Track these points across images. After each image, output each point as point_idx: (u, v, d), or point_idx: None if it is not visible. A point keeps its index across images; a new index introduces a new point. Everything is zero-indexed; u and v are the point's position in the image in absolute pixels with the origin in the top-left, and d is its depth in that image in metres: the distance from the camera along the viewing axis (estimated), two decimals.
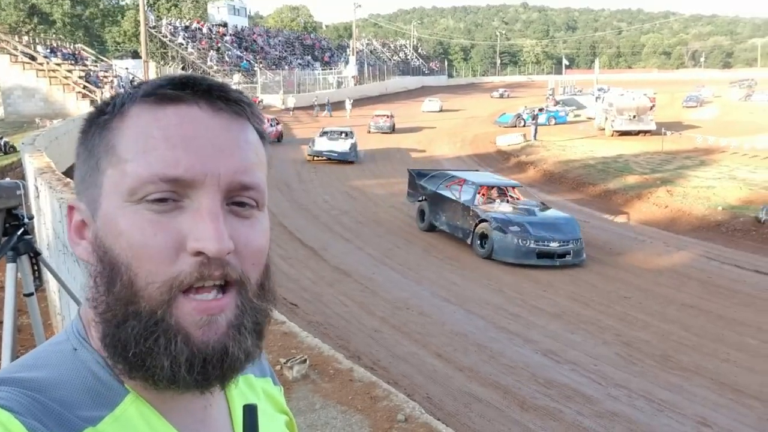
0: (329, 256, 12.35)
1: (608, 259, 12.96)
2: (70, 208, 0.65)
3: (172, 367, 0.58)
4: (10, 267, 2.55)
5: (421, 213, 15.15)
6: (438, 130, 34.85)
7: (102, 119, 0.63)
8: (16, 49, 32.44)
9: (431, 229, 14.66)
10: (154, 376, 0.58)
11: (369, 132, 32.66)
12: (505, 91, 61.77)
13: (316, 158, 24.35)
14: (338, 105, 42.82)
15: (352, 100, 42.89)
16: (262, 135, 0.68)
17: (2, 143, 24.16)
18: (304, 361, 4.12)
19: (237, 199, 0.62)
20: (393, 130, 33.63)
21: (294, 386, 3.88)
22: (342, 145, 24.41)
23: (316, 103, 41.72)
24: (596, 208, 18.00)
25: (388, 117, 34.66)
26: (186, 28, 51.86)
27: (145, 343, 0.58)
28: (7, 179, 2.84)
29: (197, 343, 0.58)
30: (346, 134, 25.91)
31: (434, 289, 10.66)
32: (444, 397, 6.68)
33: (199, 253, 0.57)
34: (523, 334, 8.80)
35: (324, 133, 25.94)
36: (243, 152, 0.62)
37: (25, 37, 37.60)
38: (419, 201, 15.38)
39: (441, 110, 46.32)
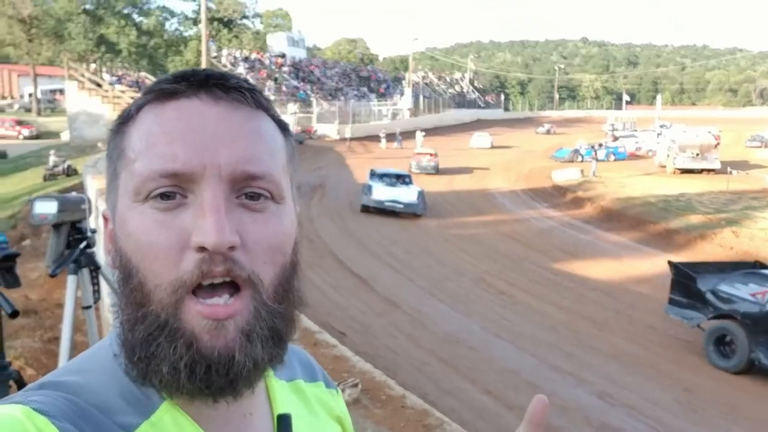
0: (378, 286, 12.31)
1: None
2: (105, 218, 0.65)
3: (171, 373, 0.55)
4: (71, 279, 2.61)
5: (721, 342, 9.20)
6: (491, 171, 31.81)
7: (117, 126, 0.63)
8: (83, 76, 34.35)
9: (749, 369, 8.76)
10: (159, 381, 0.56)
11: (409, 171, 27.02)
12: (551, 126, 58.89)
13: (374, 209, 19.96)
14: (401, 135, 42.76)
15: (424, 133, 41.54)
16: (280, 124, 0.65)
17: (65, 166, 25.33)
18: (356, 385, 4.07)
19: (248, 191, 0.59)
20: (437, 170, 29.59)
21: None
22: (407, 194, 20.29)
23: (383, 134, 40.69)
24: (657, 247, 17.40)
25: (432, 156, 30.48)
26: (246, 59, 53.67)
27: (148, 348, 0.56)
28: (73, 193, 2.93)
29: (203, 348, 0.55)
30: (405, 178, 21.85)
31: (484, 324, 10.45)
32: None
33: (201, 249, 0.55)
34: (577, 374, 8.50)
35: (376, 176, 21.61)
36: (247, 140, 0.59)
37: (93, 65, 39.68)
38: (710, 319, 9.45)
39: (492, 146, 42.64)
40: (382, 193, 20.15)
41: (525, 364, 8.74)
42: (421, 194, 20.53)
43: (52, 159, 25.72)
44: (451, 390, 7.58)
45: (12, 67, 65.92)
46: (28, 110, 52.98)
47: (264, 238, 0.59)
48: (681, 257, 16.19)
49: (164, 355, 0.55)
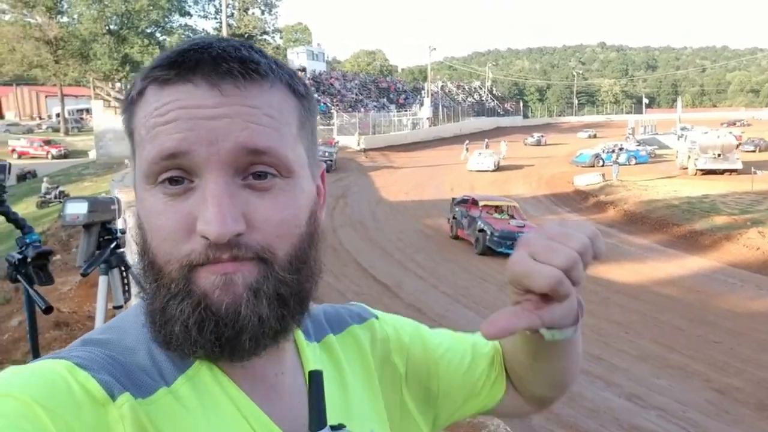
0: (403, 293, 12.30)
1: (695, 301, 12.27)
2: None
3: (182, 331, 0.58)
4: (102, 279, 2.68)
5: None
6: (513, 179, 29.09)
7: (127, 104, 0.62)
8: (109, 95, 34.96)
9: None
10: (175, 342, 0.59)
11: (485, 250, 15.92)
12: (541, 136, 54.36)
13: None
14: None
15: (507, 143, 40.32)
16: (290, 86, 0.62)
17: (57, 192, 24.74)
18: None
19: (253, 170, 0.58)
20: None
21: None
22: None
23: (467, 145, 39.44)
24: (682, 249, 17.17)
25: (516, 210, 17.95)
26: None
27: (164, 315, 0.59)
28: (103, 194, 3.00)
29: (212, 304, 0.57)
30: None
31: None
32: None
33: (206, 237, 0.56)
34: (606, 377, 8.39)
35: None
36: (246, 120, 0.57)
37: (118, 84, 40.33)
38: None
39: (497, 168, 33.36)
40: None
41: None
42: None
43: (45, 186, 24.71)
44: None
45: (39, 89, 67.46)
46: (56, 130, 54.01)
47: (273, 216, 0.59)
48: (706, 258, 16.03)
49: (176, 317, 0.58)
